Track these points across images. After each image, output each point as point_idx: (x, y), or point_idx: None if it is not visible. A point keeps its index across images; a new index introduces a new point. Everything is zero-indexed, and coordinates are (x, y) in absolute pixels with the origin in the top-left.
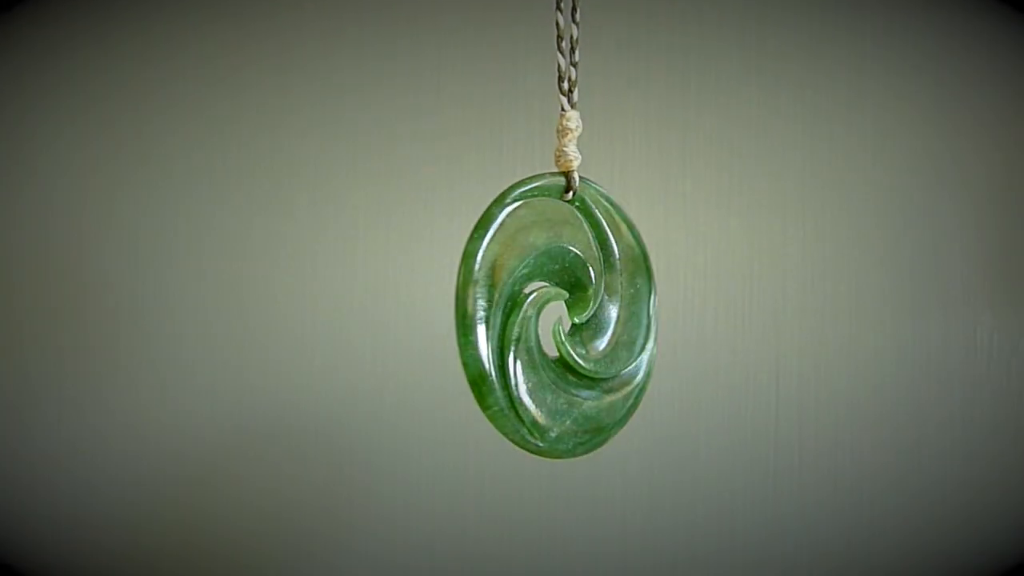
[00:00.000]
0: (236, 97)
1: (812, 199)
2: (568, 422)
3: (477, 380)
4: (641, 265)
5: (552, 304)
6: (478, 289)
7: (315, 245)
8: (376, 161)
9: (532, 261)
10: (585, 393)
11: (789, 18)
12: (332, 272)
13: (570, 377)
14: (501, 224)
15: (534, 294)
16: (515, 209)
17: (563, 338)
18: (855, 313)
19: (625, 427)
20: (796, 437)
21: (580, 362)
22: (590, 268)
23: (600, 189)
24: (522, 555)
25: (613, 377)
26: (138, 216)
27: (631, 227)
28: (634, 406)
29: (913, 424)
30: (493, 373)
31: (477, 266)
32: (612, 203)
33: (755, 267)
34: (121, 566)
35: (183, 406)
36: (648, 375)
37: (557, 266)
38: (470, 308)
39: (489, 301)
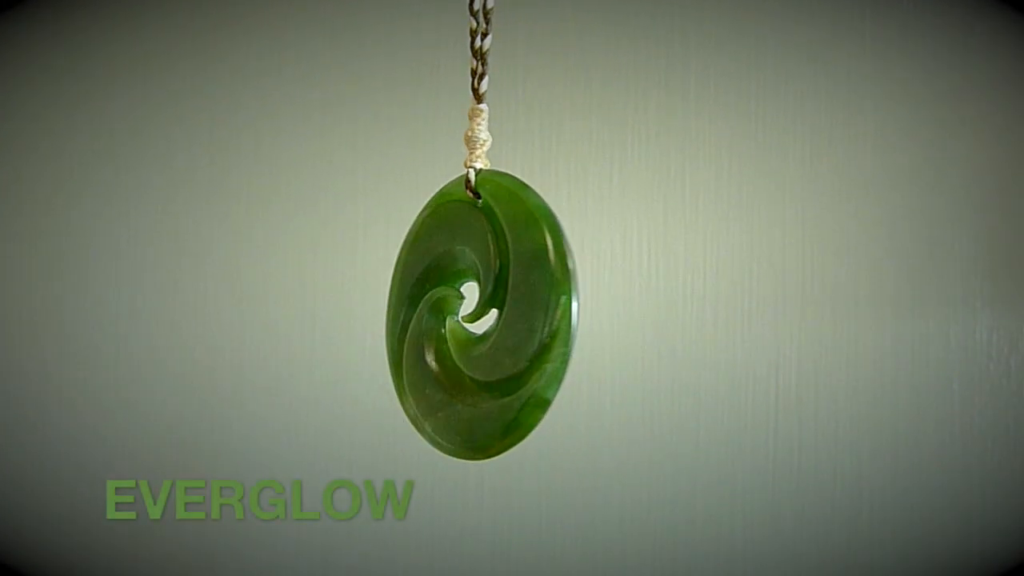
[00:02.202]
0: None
1: (811, 199)
2: (441, 416)
3: (388, 368)
4: (541, 262)
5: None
6: (392, 290)
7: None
8: (353, 169)
9: (432, 264)
10: (466, 397)
11: (788, 18)
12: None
13: (467, 380)
14: (413, 231)
15: (429, 295)
16: (425, 216)
17: (444, 337)
18: (854, 312)
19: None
20: (796, 436)
21: (459, 364)
22: (479, 269)
23: (506, 180)
24: (515, 554)
25: (496, 384)
26: (137, 214)
27: (532, 219)
28: (514, 423)
29: (912, 423)
30: (395, 364)
31: (393, 270)
32: (518, 194)
33: (755, 267)
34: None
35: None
36: (537, 394)
37: (461, 267)
38: (386, 305)
39: (395, 300)
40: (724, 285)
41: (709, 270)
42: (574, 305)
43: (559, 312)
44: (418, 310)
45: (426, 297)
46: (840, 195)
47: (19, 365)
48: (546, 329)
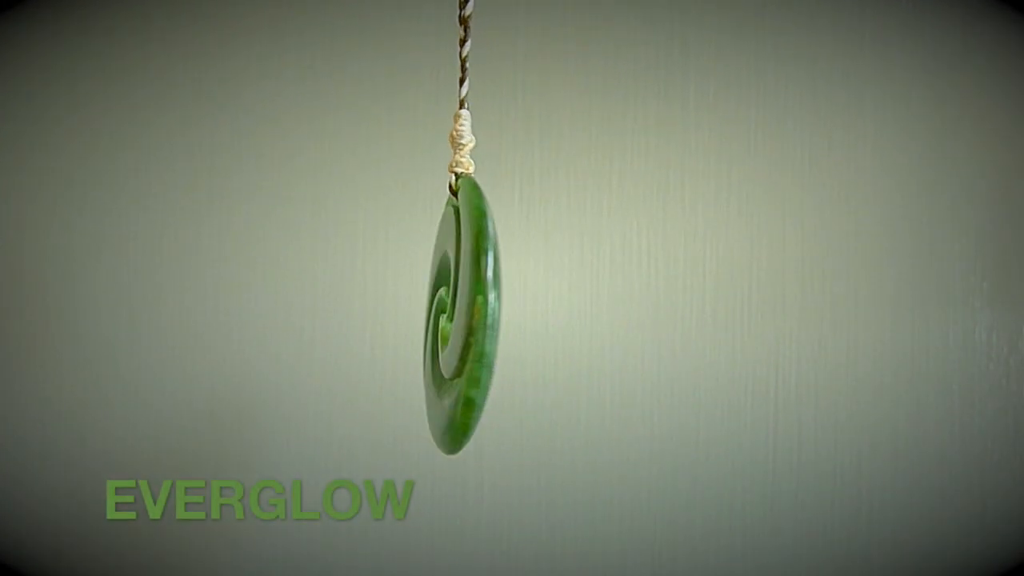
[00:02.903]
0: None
1: (811, 199)
2: (431, 411)
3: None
4: (471, 263)
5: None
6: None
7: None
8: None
9: (440, 267)
10: (442, 393)
11: (789, 19)
12: (333, 275)
13: (444, 379)
14: (436, 238)
15: (436, 296)
16: (439, 224)
17: (436, 339)
18: (854, 312)
19: (472, 438)
20: (796, 436)
21: (439, 363)
22: (451, 272)
23: (466, 183)
24: (515, 554)
25: (449, 382)
26: (140, 214)
27: (471, 220)
28: (454, 422)
29: (912, 422)
30: (423, 362)
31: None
32: (468, 196)
33: (755, 267)
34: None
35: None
36: (464, 394)
37: (450, 271)
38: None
39: (427, 303)
40: (724, 286)
41: (709, 271)
42: (491, 306)
43: (475, 312)
44: (431, 312)
45: (435, 299)
46: (840, 195)
47: (20, 365)
48: (467, 329)
